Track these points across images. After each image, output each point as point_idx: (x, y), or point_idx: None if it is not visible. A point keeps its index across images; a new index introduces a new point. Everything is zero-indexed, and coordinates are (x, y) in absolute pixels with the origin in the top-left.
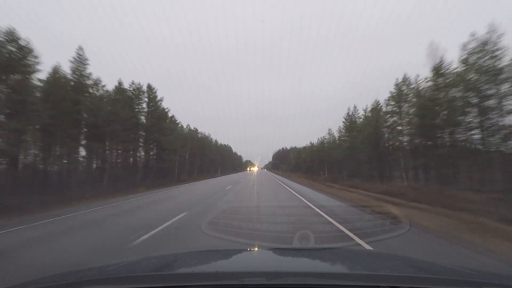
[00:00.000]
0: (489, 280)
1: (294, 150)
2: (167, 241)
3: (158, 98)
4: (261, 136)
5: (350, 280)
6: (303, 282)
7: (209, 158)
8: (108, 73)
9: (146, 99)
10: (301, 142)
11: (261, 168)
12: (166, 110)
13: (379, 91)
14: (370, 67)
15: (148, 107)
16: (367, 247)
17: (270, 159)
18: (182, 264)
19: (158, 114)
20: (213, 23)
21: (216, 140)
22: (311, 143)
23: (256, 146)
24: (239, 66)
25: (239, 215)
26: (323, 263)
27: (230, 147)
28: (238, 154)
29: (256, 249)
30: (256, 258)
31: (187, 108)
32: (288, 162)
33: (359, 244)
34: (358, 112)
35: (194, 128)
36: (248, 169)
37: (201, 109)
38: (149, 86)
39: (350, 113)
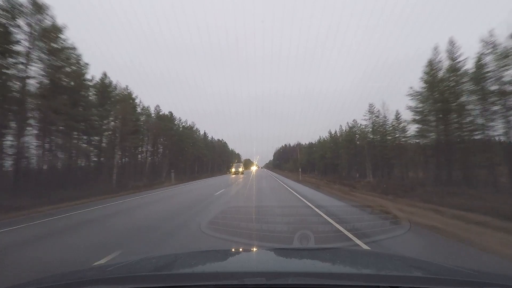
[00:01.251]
0: (489, 280)
1: (301, 146)
2: None
3: (60, 25)
4: (261, 135)
5: (350, 280)
6: (303, 282)
7: (193, 155)
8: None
9: (27, 29)
10: (304, 140)
11: (261, 167)
12: (73, 48)
13: (388, 89)
14: (375, 64)
15: (31, 45)
16: None
17: (271, 158)
18: (182, 264)
19: (56, 60)
20: (212, 19)
21: (205, 133)
22: (330, 133)
23: (256, 144)
24: (239, 63)
25: (238, 215)
26: (323, 263)
27: (225, 143)
28: (236, 152)
29: (256, 249)
30: (256, 258)
31: (186, 107)
32: (294, 160)
33: None
34: (459, 53)
35: (168, 112)
36: (232, 169)
37: (200, 108)
38: (34, 2)
39: (438, 59)
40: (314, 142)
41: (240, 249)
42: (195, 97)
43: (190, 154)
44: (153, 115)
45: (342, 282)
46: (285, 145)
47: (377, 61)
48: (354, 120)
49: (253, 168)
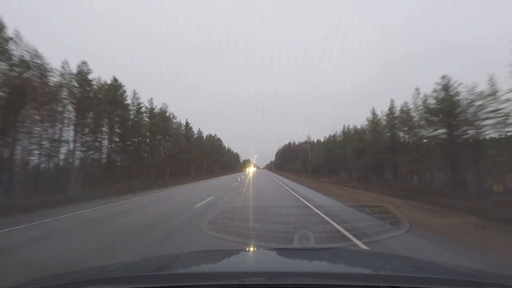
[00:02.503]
0: (489, 280)
1: (312, 143)
2: None
3: None
4: (261, 135)
5: (350, 280)
6: (303, 282)
7: (162, 153)
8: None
9: None
10: (303, 139)
11: (261, 168)
12: None
13: (388, 89)
14: (375, 65)
15: None
16: None
17: (272, 159)
18: (182, 264)
19: None
20: (213, 19)
21: (188, 123)
22: (373, 114)
23: (256, 144)
24: (239, 63)
25: (239, 215)
26: (323, 263)
27: (219, 140)
28: (234, 151)
29: (256, 249)
30: (256, 258)
31: (186, 107)
32: (303, 160)
33: None
34: None
35: (112, 79)
36: None
37: (200, 108)
38: None
39: None
40: (335, 134)
41: (240, 249)
42: (195, 97)
43: (157, 150)
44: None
45: (342, 282)
46: (289, 143)
47: (378, 61)
48: (443, 76)
49: (251, 169)
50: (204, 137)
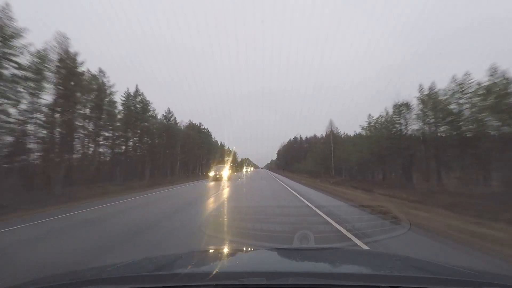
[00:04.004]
0: (489, 280)
1: (334, 134)
2: None
3: None
4: (261, 134)
5: (350, 280)
6: (303, 282)
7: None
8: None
9: None
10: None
11: (261, 168)
12: None
13: (389, 88)
14: (375, 64)
15: None
16: None
17: (274, 157)
18: (182, 264)
19: None
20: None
21: (137, 94)
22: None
23: (256, 142)
24: (238, 60)
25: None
26: (323, 263)
27: (206, 131)
28: (231, 148)
29: (256, 249)
30: (256, 258)
31: (186, 107)
32: (321, 158)
33: None
34: None
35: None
36: None
37: (200, 107)
38: None
39: None
40: (401, 104)
41: (240, 249)
42: (195, 97)
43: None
44: None
45: (342, 282)
46: (295, 138)
47: (378, 61)
48: None
49: (224, 174)
50: (183, 126)
